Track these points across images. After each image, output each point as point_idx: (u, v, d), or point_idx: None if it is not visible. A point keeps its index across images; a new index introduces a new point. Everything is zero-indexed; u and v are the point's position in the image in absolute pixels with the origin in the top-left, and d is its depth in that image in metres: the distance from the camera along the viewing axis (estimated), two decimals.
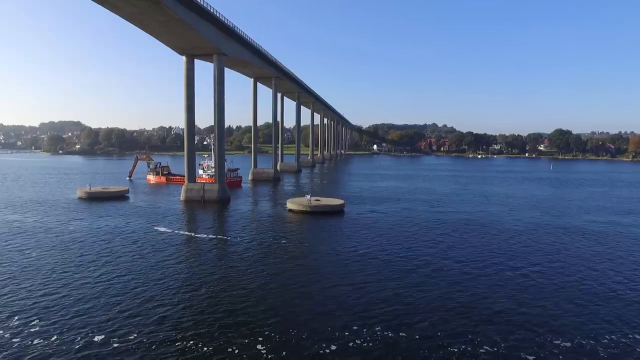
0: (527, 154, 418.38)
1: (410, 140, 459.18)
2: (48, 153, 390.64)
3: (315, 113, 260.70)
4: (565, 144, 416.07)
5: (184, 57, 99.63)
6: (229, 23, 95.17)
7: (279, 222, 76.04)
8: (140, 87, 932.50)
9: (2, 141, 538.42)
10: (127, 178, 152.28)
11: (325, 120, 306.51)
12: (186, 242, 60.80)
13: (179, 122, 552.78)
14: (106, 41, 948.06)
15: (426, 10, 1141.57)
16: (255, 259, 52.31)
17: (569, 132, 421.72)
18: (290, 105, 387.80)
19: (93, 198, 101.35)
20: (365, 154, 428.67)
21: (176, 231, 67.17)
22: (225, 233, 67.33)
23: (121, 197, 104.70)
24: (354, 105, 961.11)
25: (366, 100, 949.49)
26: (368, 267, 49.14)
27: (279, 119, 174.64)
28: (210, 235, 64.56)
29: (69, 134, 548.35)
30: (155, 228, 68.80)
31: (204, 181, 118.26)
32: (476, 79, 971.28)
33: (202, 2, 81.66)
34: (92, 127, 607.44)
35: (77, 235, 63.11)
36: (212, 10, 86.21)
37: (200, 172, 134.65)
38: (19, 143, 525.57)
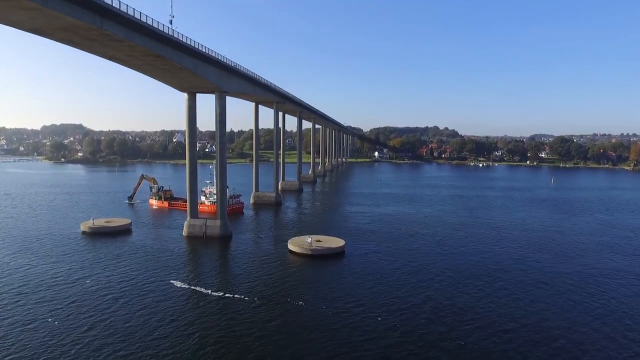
0: (528, 162, 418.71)
1: (411, 147, 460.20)
2: (50, 161, 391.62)
3: (316, 125, 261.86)
4: (567, 151, 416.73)
5: (185, 94, 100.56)
6: (230, 63, 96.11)
7: (280, 270, 76.67)
8: (141, 87, 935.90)
9: (5, 147, 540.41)
10: (128, 200, 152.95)
11: (327, 130, 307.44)
12: (189, 300, 61.62)
13: (180, 124, 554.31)
14: None
15: (428, 11, 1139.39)
16: (255, 321, 53.88)
17: (570, 140, 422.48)
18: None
19: (96, 233, 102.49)
20: (367, 162, 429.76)
21: (178, 284, 67.98)
22: (227, 287, 67.89)
23: (124, 231, 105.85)
24: (355, 106, 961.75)
25: (368, 102, 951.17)
26: (358, 335, 50.48)
27: (280, 135, 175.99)
28: (212, 292, 65.19)
29: (71, 138, 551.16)
30: (170, 282, 69.83)
31: (206, 214, 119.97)
32: (478, 80, 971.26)
33: (204, 50, 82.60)
34: (94, 130, 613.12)
35: (87, 290, 63.91)
36: (214, 55, 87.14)
37: (203, 198, 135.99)
38: (21, 148, 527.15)
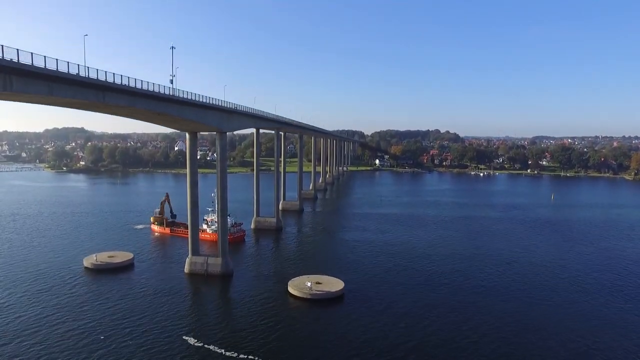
0: (529, 170, 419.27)
1: (412, 155, 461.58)
2: (52, 171, 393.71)
3: (317, 139, 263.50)
4: (567, 159, 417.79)
5: (187, 134, 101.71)
6: (230, 106, 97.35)
7: (280, 319, 77.27)
8: None
9: (7, 152, 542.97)
10: (171, 219, 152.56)
11: (328, 140, 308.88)
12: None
13: None
14: (106, 41, 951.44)
15: (428, 12, 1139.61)
16: None
17: (571, 149, 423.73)
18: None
19: (99, 270, 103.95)
20: (368, 170, 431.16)
21: (177, 338, 69.06)
22: (226, 341, 68.54)
23: (127, 266, 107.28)
24: (356, 107, 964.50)
25: (368, 102, 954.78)
26: None
27: (281, 156, 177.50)
28: (211, 348, 66.26)
29: (73, 143, 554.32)
30: (169, 335, 71.00)
31: (208, 242, 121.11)
32: (478, 80, 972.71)
33: (204, 100, 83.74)
34: (96, 132, 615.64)
35: (83, 347, 65.01)
36: (214, 103, 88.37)
37: (205, 226, 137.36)
38: (24, 154, 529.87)
